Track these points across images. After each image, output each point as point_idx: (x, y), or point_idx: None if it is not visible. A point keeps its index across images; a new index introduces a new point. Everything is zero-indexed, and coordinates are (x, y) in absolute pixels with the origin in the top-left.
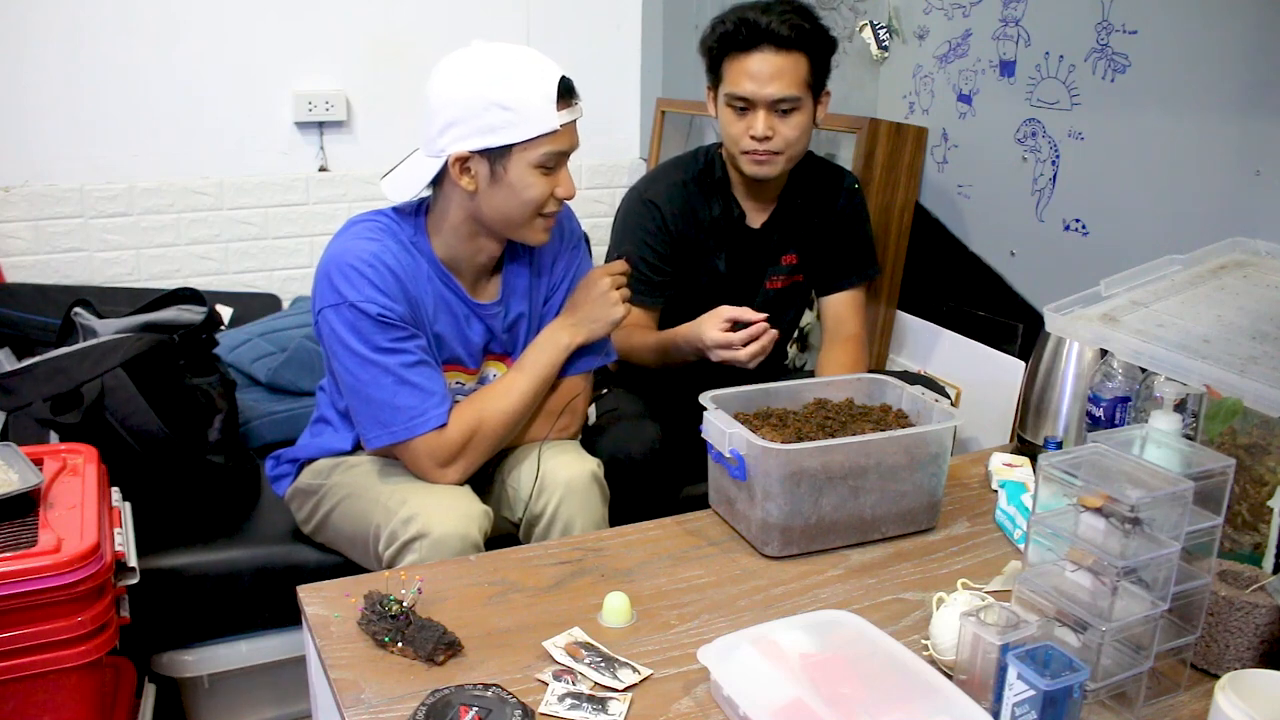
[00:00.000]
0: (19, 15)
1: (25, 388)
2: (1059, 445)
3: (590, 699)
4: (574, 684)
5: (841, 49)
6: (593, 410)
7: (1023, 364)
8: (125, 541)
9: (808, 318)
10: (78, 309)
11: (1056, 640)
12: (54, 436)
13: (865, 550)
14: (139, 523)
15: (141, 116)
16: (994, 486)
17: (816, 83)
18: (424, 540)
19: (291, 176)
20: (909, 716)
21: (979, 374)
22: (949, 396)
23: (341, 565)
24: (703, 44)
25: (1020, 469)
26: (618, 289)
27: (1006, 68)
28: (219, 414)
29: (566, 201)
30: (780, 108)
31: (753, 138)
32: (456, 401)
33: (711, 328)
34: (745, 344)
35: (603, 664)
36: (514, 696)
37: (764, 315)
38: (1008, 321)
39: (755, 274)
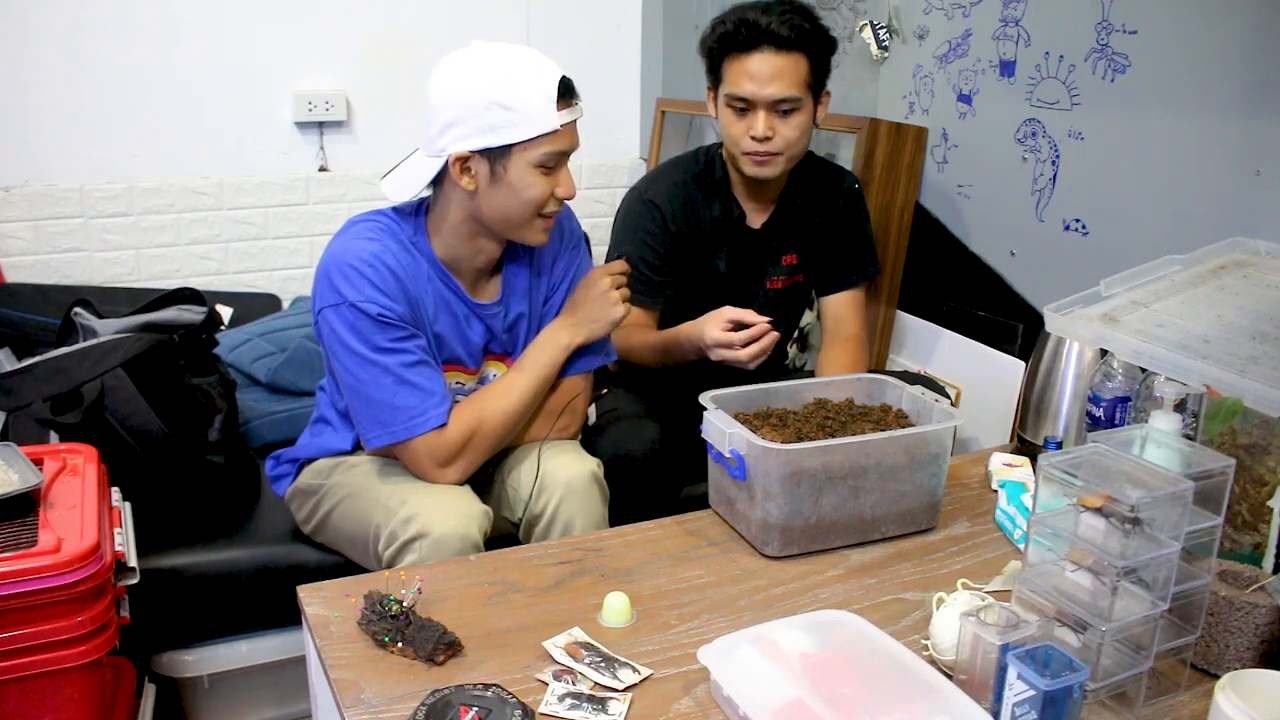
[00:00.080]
0: (19, 15)
1: (25, 388)
2: (1059, 445)
3: (590, 699)
4: (574, 684)
5: (841, 49)
6: (593, 410)
7: (1023, 364)
8: (125, 541)
9: (808, 318)
10: (78, 309)
11: (1056, 640)
12: (54, 436)
13: (865, 550)
14: (139, 523)
15: (141, 116)
16: (994, 486)
17: (816, 83)
18: (424, 540)
19: (291, 176)
20: (909, 716)
21: (979, 374)
22: (949, 396)
23: (341, 565)
24: (703, 44)
25: (1020, 469)
26: (617, 289)
27: (1006, 68)
28: (219, 414)
29: (566, 201)
30: (780, 108)
31: (753, 138)
32: (456, 401)
33: (714, 327)
34: (746, 344)
35: (603, 664)
36: (514, 696)
37: (767, 319)
38: (1008, 321)
39: (755, 274)
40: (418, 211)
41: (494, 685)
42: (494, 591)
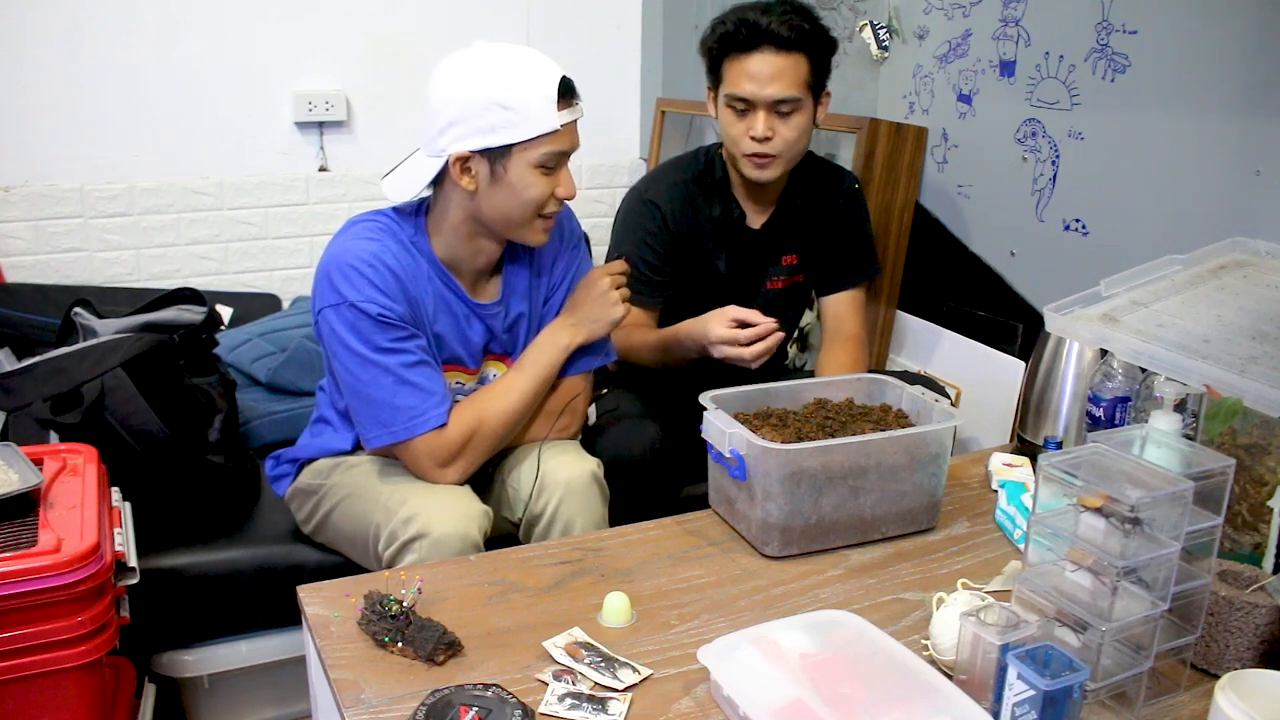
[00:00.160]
0: (19, 15)
1: (25, 388)
2: (1059, 445)
3: (590, 699)
4: (574, 684)
5: (841, 49)
6: (593, 410)
7: (1023, 364)
8: (125, 541)
9: (808, 318)
10: (78, 309)
11: (1056, 640)
12: (54, 436)
13: (865, 550)
14: (139, 523)
15: (141, 116)
16: (994, 486)
17: (817, 83)
18: (424, 540)
19: (291, 176)
20: (909, 716)
21: (979, 374)
22: (949, 396)
23: (341, 565)
24: (703, 44)
25: (1020, 469)
26: (617, 289)
27: (1006, 68)
28: (219, 414)
29: (566, 202)
30: (780, 108)
31: (753, 138)
32: (456, 401)
33: (718, 324)
34: (751, 342)
35: (603, 664)
36: (514, 696)
37: (773, 321)
38: (1008, 321)
39: (755, 274)
40: (418, 211)
41: (494, 685)
42: (494, 591)
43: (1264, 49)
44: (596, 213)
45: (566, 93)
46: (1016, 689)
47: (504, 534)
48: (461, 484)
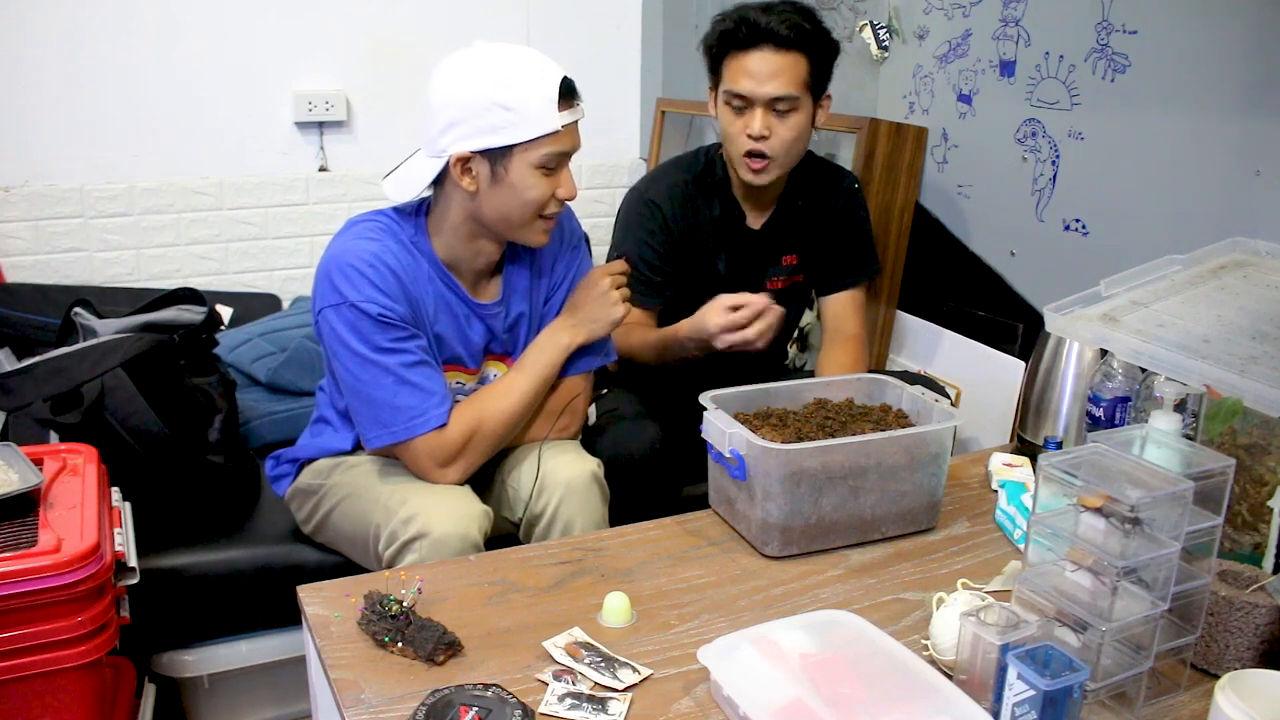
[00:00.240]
0: (19, 15)
1: (25, 388)
2: (1059, 445)
3: (590, 699)
4: (574, 684)
5: (841, 49)
6: (593, 410)
7: (1023, 364)
8: (125, 541)
9: (808, 318)
10: (78, 309)
11: (1056, 640)
12: (54, 436)
13: (865, 550)
14: (139, 523)
15: (141, 116)
16: (994, 486)
17: (816, 84)
18: (424, 540)
19: (291, 176)
20: (909, 716)
21: (979, 374)
22: (949, 396)
23: (341, 565)
24: (704, 42)
25: (1020, 469)
26: (618, 289)
27: (1006, 68)
28: (219, 414)
29: (567, 202)
30: (777, 107)
31: (749, 136)
32: (457, 401)
33: (715, 314)
34: (752, 321)
35: (603, 664)
36: (514, 696)
37: (764, 297)
38: (1008, 321)
39: (755, 275)
40: (418, 212)
41: (494, 685)
42: (494, 591)
43: (1264, 49)
44: (596, 213)
45: (568, 93)
46: (1016, 689)
47: (504, 534)
48: (462, 484)
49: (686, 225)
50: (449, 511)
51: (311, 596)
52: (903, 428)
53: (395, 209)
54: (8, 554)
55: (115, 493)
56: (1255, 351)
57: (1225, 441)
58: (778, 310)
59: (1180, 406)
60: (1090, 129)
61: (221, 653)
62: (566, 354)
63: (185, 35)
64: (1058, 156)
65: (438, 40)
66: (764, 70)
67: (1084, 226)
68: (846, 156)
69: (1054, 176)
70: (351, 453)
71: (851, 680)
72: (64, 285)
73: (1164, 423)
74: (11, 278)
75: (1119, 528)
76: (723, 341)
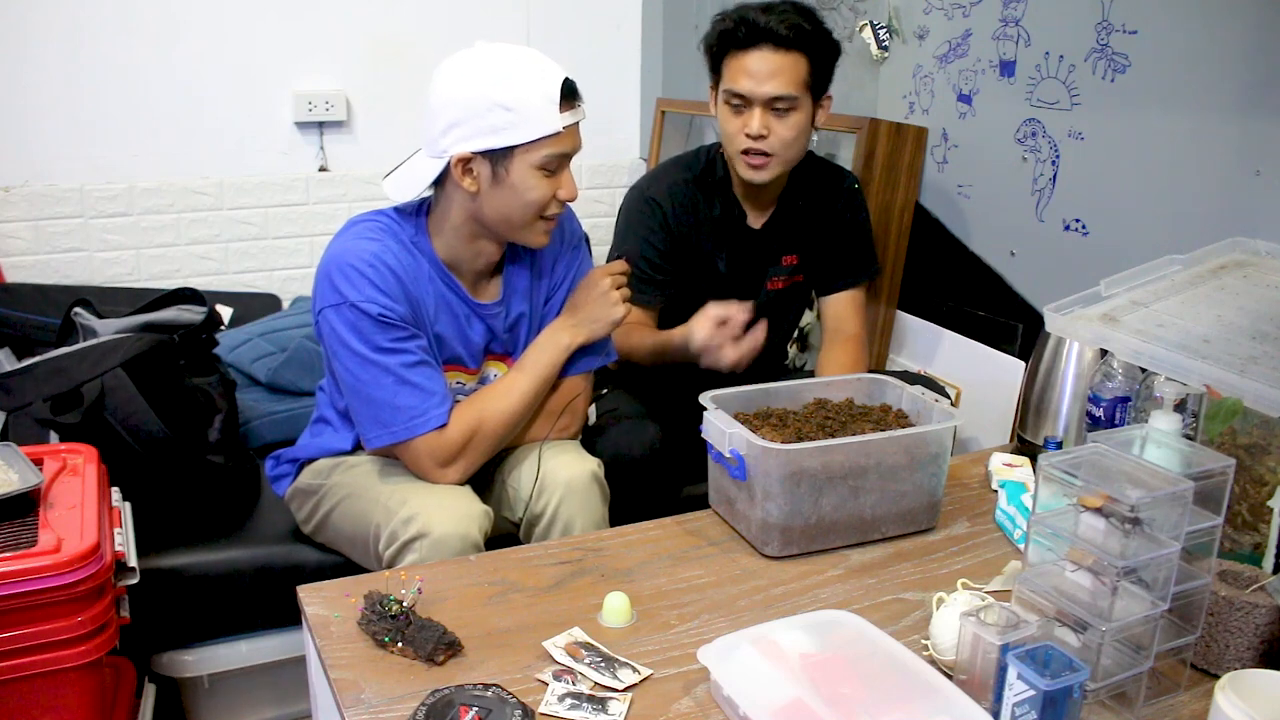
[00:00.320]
0: (19, 15)
1: (25, 388)
2: (1059, 445)
3: (590, 699)
4: (574, 684)
5: (842, 49)
6: (593, 410)
7: (1023, 364)
8: (125, 541)
9: (808, 318)
10: (78, 309)
11: (1056, 640)
12: (54, 436)
13: (865, 550)
14: (139, 523)
15: (141, 116)
16: (994, 486)
17: (816, 85)
18: (424, 540)
19: (291, 176)
20: (909, 716)
21: (979, 374)
22: (949, 396)
23: (341, 565)
24: (704, 42)
25: (1020, 469)
26: (618, 289)
27: (1006, 68)
28: (219, 414)
29: (568, 203)
30: (776, 106)
31: (748, 135)
32: (457, 401)
33: (700, 329)
34: (736, 337)
35: (603, 664)
36: (514, 696)
37: (748, 308)
38: (1008, 321)
39: (756, 274)
40: (419, 212)
41: (494, 685)
42: (494, 591)
43: (1264, 49)
44: (597, 212)
45: (569, 94)
46: (1016, 689)
47: (504, 534)
48: (462, 484)
49: (687, 224)
50: (449, 511)
51: (311, 596)
52: (903, 428)
53: (395, 209)
54: (8, 554)
55: (115, 493)
56: (1255, 351)
57: (1225, 441)
58: (759, 337)
59: (1180, 406)
60: (1090, 129)
61: (221, 653)
62: (567, 354)
63: (185, 35)
64: (1058, 156)
65: (438, 40)
66: (763, 70)
67: (1084, 226)
68: (846, 156)
69: (1054, 176)
70: (351, 453)
71: (851, 680)
72: (64, 285)
73: (1164, 423)
74: (11, 278)
75: (1119, 528)
76: (704, 362)
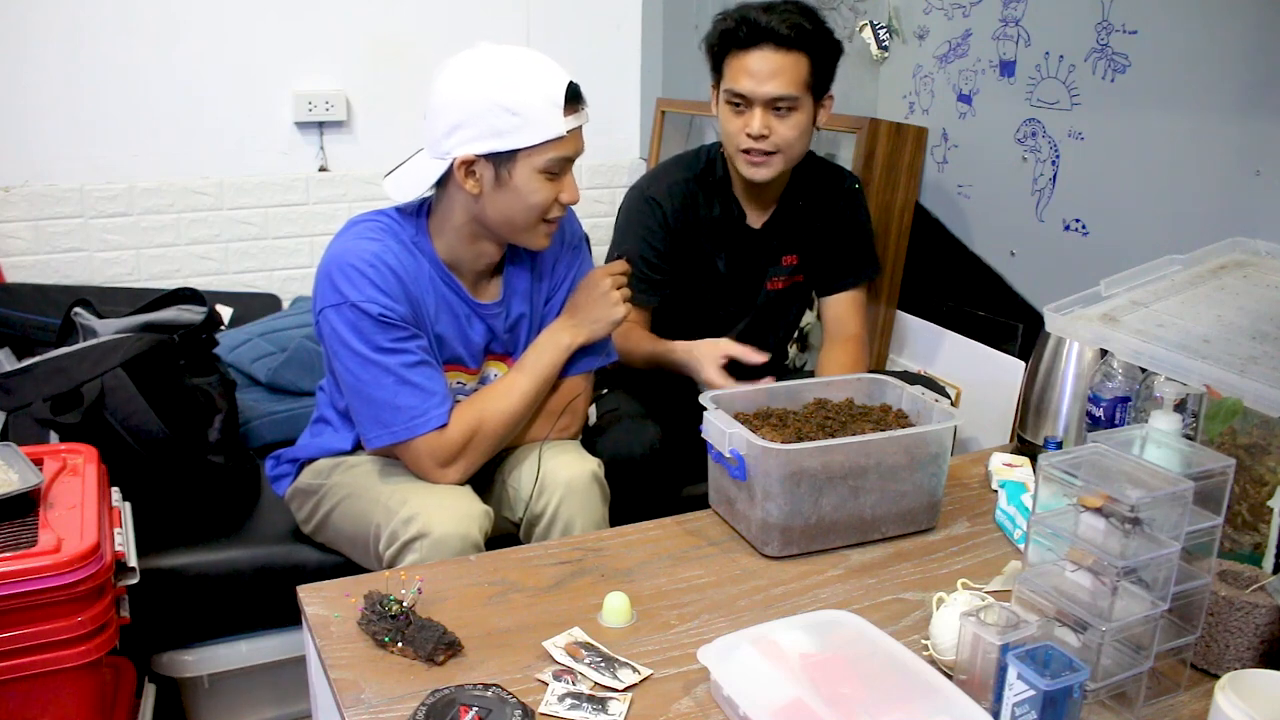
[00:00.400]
0: (19, 15)
1: (25, 388)
2: (1059, 445)
3: (590, 699)
4: (574, 684)
5: (843, 49)
6: (593, 410)
7: (1023, 364)
8: (125, 541)
9: (808, 318)
10: (78, 309)
11: (1056, 640)
12: (54, 436)
13: (865, 550)
14: (139, 523)
15: (141, 116)
16: (994, 486)
17: (818, 85)
18: (424, 540)
19: (291, 176)
20: (909, 716)
21: (979, 374)
22: (949, 396)
23: (341, 565)
24: (706, 41)
25: (1020, 469)
26: (618, 289)
27: (1006, 68)
28: (219, 414)
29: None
30: (777, 106)
31: (748, 135)
32: (457, 401)
33: (711, 368)
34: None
35: (603, 664)
36: (514, 696)
37: (765, 357)
38: (1008, 321)
39: (755, 275)
40: (419, 212)
41: (494, 685)
42: (494, 591)
43: (1264, 49)
44: (597, 212)
45: (573, 98)
46: (1016, 689)
47: (504, 534)
48: (462, 484)
49: (687, 224)
50: (449, 511)
51: (311, 596)
52: (903, 428)
53: (396, 209)
54: (8, 554)
55: (115, 493)
56: (1255, 351)
57: (1225, 441)
58: (768, 383)
59: (1180, 406)
60: (1090, 129)
61: (221, 653)
62: (567, 354)
63: (185, 35)
64: (1058, 156)
65: (438, 40)
66: (764, 70)
67: (1084, 226)
68: (846, 156)
69: (1054, 176)
70: (351, 453)
71: (851, 680)
72: (64, 285)
73: (1164, 423)
74: (11, 278)
75: (1119, 528)
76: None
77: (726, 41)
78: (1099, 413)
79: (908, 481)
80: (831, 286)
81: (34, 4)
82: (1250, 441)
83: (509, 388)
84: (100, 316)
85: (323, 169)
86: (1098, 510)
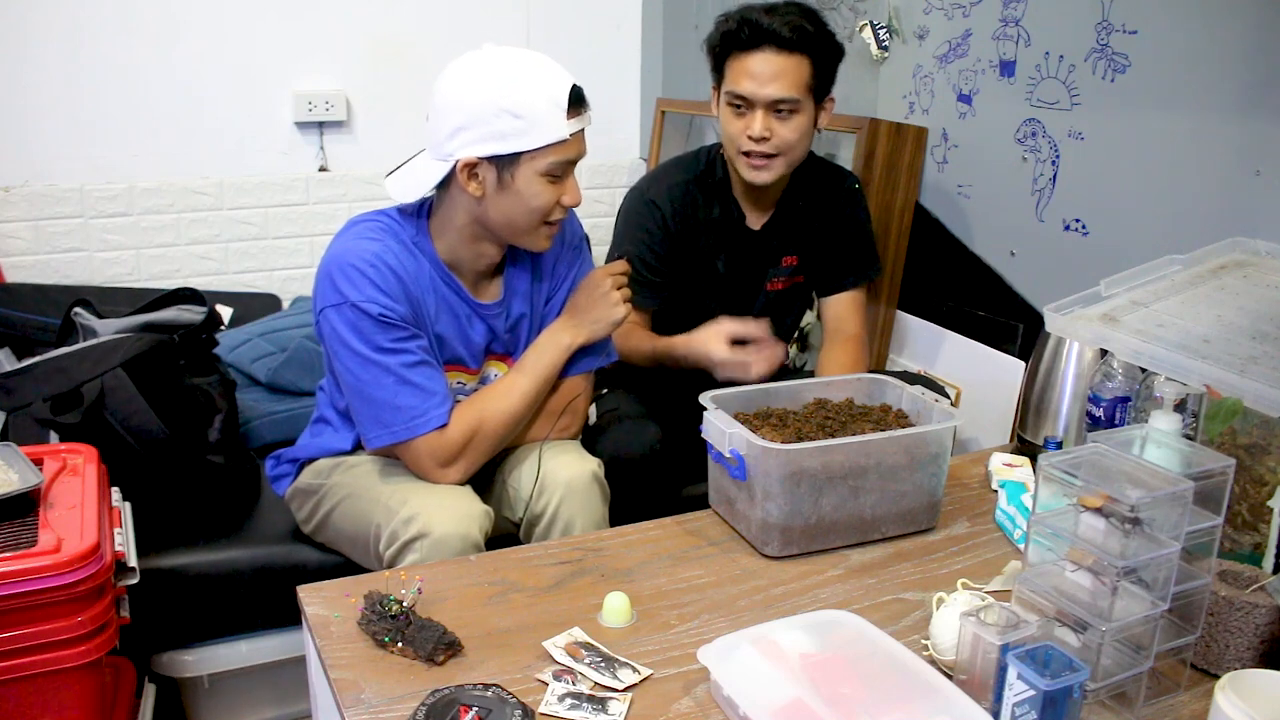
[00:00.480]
0: (19, 15)
1: (25, 388)
2: (1059, 445)
3: (590, 699)
4: (574, 684)
5: (844, 51)
6: (593, 410)
7: (1023, 364)
8: (125, 541)
9: (808, 318)
10: (78, 309)
11: (1056, 640)
12: (54, 436)
13: (865, 550)
14: (139, 523)
15: (141, 116)
16: (994, 486)
17: (819, 87)
18: (425, 540)
19: (291, 176)
20: (909, 716)
21: (979, 374)
22: (949, 396)
23: (341, 565)
24: (707, 42)
25: (1020, 469)
26: (619, 289)
27: (1006, 68)
28: (219, 414)
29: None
30: (779, 109)
31: (750, 137)
32: (458, 401)
33: (717, 346)
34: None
35: (603, 664)
36: (514, 696)
37: (766, 326)
38: (1008, 321)
39: (755, 276)
40: (419, 212)
41: (494, 685)
42: (494, 591)
43: (1264, 49)
44: (597, 213)
45: (576, 101)
46: (1016, 689)
47: (504, 534)
48: (462, 484)
49: (686, 225)
50: (450, 511)
51: (311, 596)
52: (903, 428)
53: (397, 209)
54: (8, 554)
55: (115, 493)
56: (1255, 351)
57: (1225, 441)
58: (780, 350)
59: (1180, 406)
60: (1090, 129)
61: (221, 653)
62: (567, 354)
63: (185, 35)
64: (1058, 156)
65: (438, 40)
66: (766, 72)
67: (1084, 226)
68: (846, 156)
69: (1054, 176)
70: (352, 453)
71: (851, 680)
72: (64, 285)
73: (1164, 423)
74: (11, 278)
75: (1119, 528)
76: (724, 374)
77: (728, 43)
78: (1099, 413)
79: (908, 481)
80: (831, 287)
81: (34, 4)
82: (1250, 441)
83: (509, 388)
84: (100, 316)
85: (323, 169)
86: (1098, 510)
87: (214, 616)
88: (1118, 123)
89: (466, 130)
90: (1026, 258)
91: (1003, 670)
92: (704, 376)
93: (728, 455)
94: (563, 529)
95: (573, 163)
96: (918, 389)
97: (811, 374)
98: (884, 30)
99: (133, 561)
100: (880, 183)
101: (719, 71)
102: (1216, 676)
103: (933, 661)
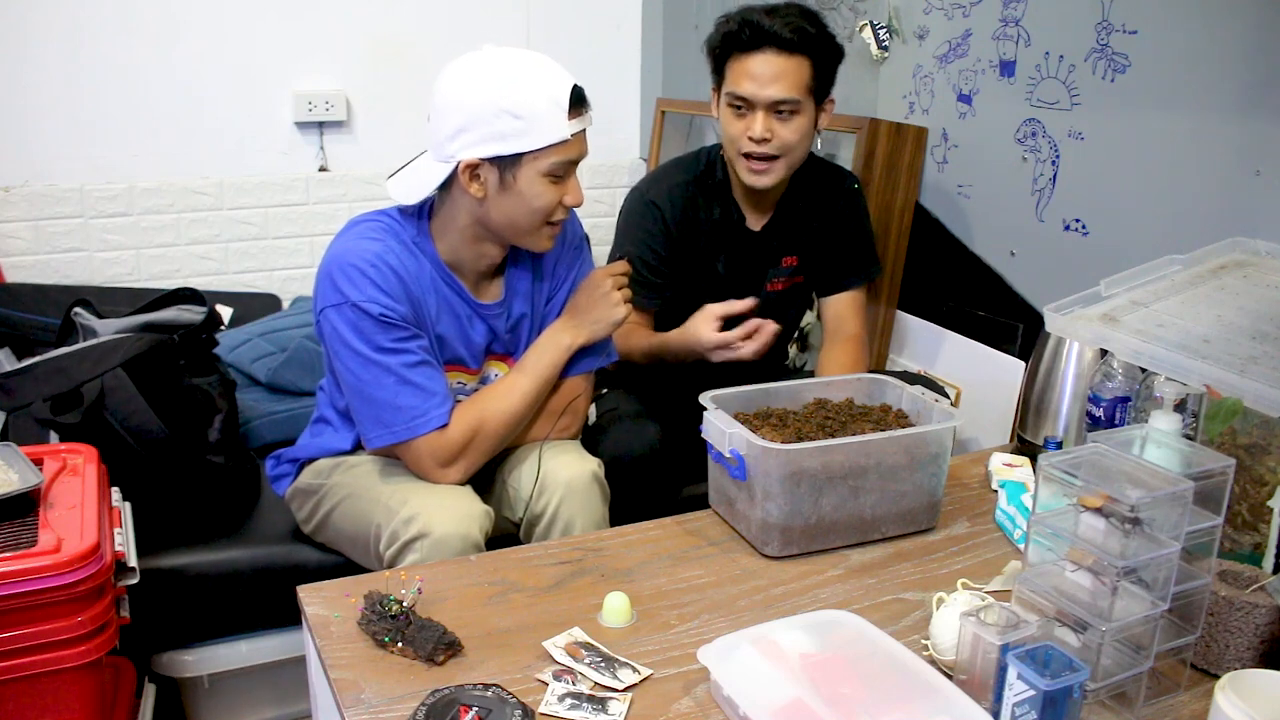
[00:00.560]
0: (19, 15)
1: (25, 388)
2: (1059, 445)
3: (590, 699)
4: (574, 684)
5: (845, 52)
6: (593, 410)
7: (1023, 364)
8: (125, 541)
9: (808, 318)
10: (78, 309)
11: (1056, 640)
12: (54, 436)
13: (865, 550)
14: (139, 523)
15: (141, 116)
16: (994, 486)
17: (819, 88)
18: (425, 540)
19: (291, 176)
20: (909, 716)
21: (979, 374)
22: (949, 396)
23: (341, 565)
24: (708, 43)
25: (1020, 469)
26: (619, 290)
27: (1006, 68)
28: (219, 414)
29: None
30: (779, 110)
31: (751, 138)
32: (458, 401)
33: (706, 329)
34: (745, 338)
35: (603, 664)
36: (514, 696)
37: (752, 302)
38: (1008, 321)
39: (755, 276)
40: (420, 212)
41: (494, 685)
42: (494, 591)
43: (1264, 49)
44: (597, 213)
45: (578, 102)
46: (1016, 689)
47: (504, 534)
48: (463, 484)
49: (686, 227)
50: (450, 511)
51: (311, 596)
52: (903, 428)
53: (397, 209)
54: (8, 554)
55: (115, 493)
56: (1255, 351)
57: (1225, 441)
58: (772, 327)
59: (1180, 406)
60: (1090, 129)
61: (221, 653)
62: (568, 355)
63: (185, 35)
64: (1058, 156)
65: (438, 40)
66: (766, 73)
67: (1084, 226)
68: (846, 156)
69: (1054, 176)
70: (352, 452)
71: (851, 680)
72: (64, 285)
73: (1164, 423)
74: (11, 278)
75: (1119, 528)
76: (717, 357)
77: (729, 44)
78: (1099, 413)
79: (908, 481)
80: (831, 287)
81: (34, 4)
82: (1250, 441)
83: (510, 388)
84: (100, 316)
85: (323, 169)
86: (1098, 510)
87: (214, 616)
88: (1118, 123)
89: (467, 131)
90: (1026, 258)
91: (1003, 670)
92: (704, 377)
93: (728, 455)
94: (563, 529)
95: (574, 163)
96: (918, 389)
97: (811, 374)
98: (884, 30)
99: (133, 561)
100: (880, 183)
101: (719, 72)
102: (1216, 676)
103: (933, 661)
